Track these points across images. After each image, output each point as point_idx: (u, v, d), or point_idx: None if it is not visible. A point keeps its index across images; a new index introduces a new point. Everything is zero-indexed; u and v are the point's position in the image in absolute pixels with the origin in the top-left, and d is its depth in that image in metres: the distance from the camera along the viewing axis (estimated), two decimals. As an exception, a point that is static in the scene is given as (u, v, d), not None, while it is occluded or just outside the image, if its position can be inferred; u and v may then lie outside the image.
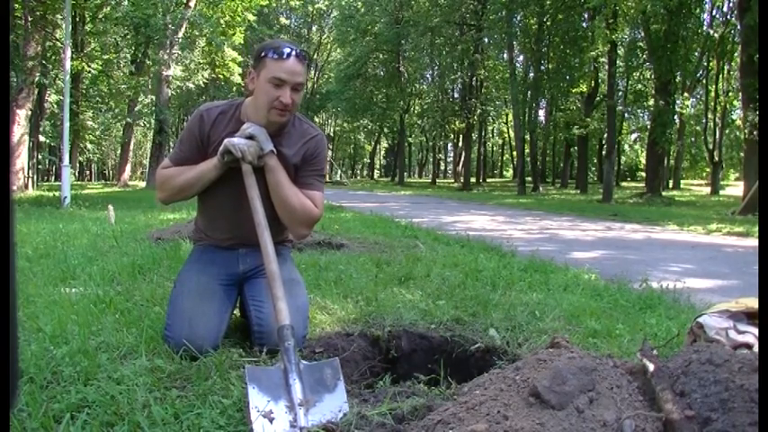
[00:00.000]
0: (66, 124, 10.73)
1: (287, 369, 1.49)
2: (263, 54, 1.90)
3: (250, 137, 1.91)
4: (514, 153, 35.78)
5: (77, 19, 18.70)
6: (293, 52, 1.89)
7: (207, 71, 23.34)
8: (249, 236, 1.95)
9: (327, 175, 35.18)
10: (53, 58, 16.51)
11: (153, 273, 3.17)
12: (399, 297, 2.70)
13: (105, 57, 20.75)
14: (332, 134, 47.23)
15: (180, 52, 19.68)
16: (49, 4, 13.87)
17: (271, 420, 1.36)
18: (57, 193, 11.35)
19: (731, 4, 21.66)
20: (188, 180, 2.00)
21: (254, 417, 1.35)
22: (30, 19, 13.65)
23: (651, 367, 1.30)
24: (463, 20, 27.87)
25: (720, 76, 27.10)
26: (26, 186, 14.94)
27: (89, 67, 19.70)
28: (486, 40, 26.87)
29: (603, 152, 24.87)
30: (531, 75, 24.71)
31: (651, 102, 21.56)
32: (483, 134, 40.90)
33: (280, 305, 1.66)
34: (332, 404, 1.45)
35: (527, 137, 24.52)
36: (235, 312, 2.20)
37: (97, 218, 7.14)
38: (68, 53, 10.91)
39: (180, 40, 19.08)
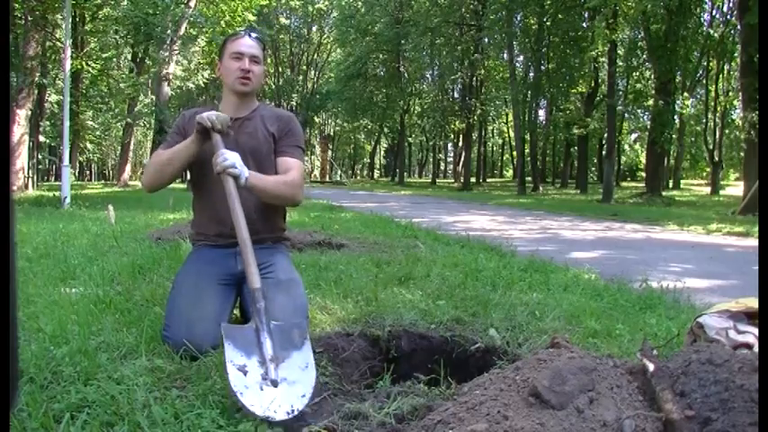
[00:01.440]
0: (67, 124, 10.72)
1: (258, 328, 1.62)
2: (223, 43, 2.25)
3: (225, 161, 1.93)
4: (514, 153, 35.74)
5: (77, 19, 18.69)
6: (247, 33, 2.22)
7: (207, 71, 23.34)
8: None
9: (327, 175, 35.35)
10: (53, 57, 16.50)
11: (153, 273, 3.17)
12: (399, 297, 2.70)
13: (105, 55, 20.72)
14: (332, 134, 47.22)
15: (180, 50, 19.66)
16: (49, 3, 13.85)
17: (245, 373, 1.48)
18: (57, 193, 11.33)
19: (731, 4, 21.65)
20: (166, 157, 2.10)
21: (230, 370, 1.48)
22: (29, 19, 13.64)
23: (651, 367, 1.30)
24: (463, 20, 27.84)
25: (720, 76, 27.06)
26: (26, 186, 14.92)
27: (89, 66, 19.69)
28: (486, 40, 26.81)
29: (603, 152, 24.86)
30: (531, 75, 24.67)
31: (651, 102, 21.54)
32: (483, 134, 40.86)
33: (250, 270, 1.75)
34: (299, 360, 1.58)
35: (527, 137, 24.50)
36: (235, 312, 2.20)
37: (97, 218, 7.13)
38: (68, 53, 10.90)
39: (180, 39, 19.06)
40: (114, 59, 22.49)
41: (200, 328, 1.87)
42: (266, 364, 1.52)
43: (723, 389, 1.15)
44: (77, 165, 32.54)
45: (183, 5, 18.83)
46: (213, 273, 2.06)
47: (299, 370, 1.54)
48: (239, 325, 1.67)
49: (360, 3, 33.40)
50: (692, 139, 34.68)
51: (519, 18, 23.83)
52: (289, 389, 1.48)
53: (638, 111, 29.20)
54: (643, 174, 29.47)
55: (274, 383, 1.48)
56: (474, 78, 28.86)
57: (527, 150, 25.24)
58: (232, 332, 1.61)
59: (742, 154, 17.42)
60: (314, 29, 42.78)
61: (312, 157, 49.82)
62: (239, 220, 1.85)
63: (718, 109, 27.51)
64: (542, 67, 24.25)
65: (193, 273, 2.08)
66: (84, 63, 19.16)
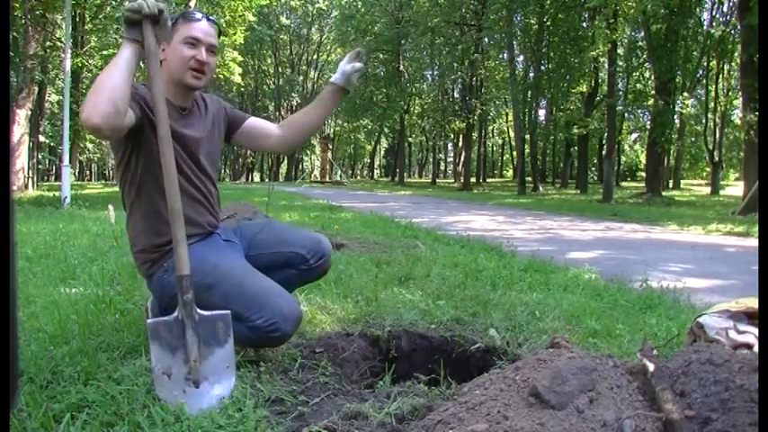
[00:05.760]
0: (67, 124, 10.71)
1: (185, 323, 1.55)
2: (174, 22, 1.82)
3: None
4: (514, 153, 35.77)
5: (77, 18, 18.68)
6: (204, 16, 1.87)
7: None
8: (207, 208, 1.91)
9: (328, 176, 35.35)
10: (53, 55, 16.47)
11: (153, 273, 3.16)
12: (399, 297, 2.70)
13: (105, 53, 20.69)
14: (332, 134, 47.22)
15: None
16: (49, 3, 13.83)
17: (169, 377, 1.52)
18: (57, 194, 11.34)
19: (731, 4, 21.65)
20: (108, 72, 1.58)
21: (155, 376, 1.52)
22: (29, 17, 13.62)
23: (651, 367, 1.30)
24: (463, 20, 27.83)
25: (720, 76, 27.08)
26: (26, 186, 14.91)
27: (89, 64, 19.66)
28: (486, 40, 26.80)
29: (603, 152, 24.85)
30: (531, 75, 24.67)
31: (651, 102, 21.54)
32: (483, 134, 40.87)
33: (180, 250, 1.56)
34: (222, 358, 1.58)
35: (527, 137, 24.49)
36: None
37: (97, 218, 7.13)
38: (68, 53, 10.90)
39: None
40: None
41: (290, 302, 1.79)
42: (190, 362, 1.53)
43: (723, 389, 1.15)
44: (77, 165, 32.53)
45: (183, 5, 18.83)
46: (236, 249, 1.92)
47: (221, 369, 1.57)
48: (164, 319, 1.56)
49: (360, 3, 33.40)
50: (692, 139, 34.70)
51: (519, 18, 23.82)
52: (210, 389, 1.54)
53: (638, 111, 29.22)
54: (643, 174, 29.47)
55: (197, 384, 1.52)
56: (474, 78, 28.83)
57: (527, 150, 25.23)
58: (157, 330, 1.53)
59: (742, 154, 17.42)
60: (314, 29, 42.80)
61: (312, 157, 49.81)
62: (172, 181, 1.59)
63: (719, 109, 27.53)
64: (542, 67, 24.25)
65: (229, 259, 1.82)
66: (84, 61, 19.12)
